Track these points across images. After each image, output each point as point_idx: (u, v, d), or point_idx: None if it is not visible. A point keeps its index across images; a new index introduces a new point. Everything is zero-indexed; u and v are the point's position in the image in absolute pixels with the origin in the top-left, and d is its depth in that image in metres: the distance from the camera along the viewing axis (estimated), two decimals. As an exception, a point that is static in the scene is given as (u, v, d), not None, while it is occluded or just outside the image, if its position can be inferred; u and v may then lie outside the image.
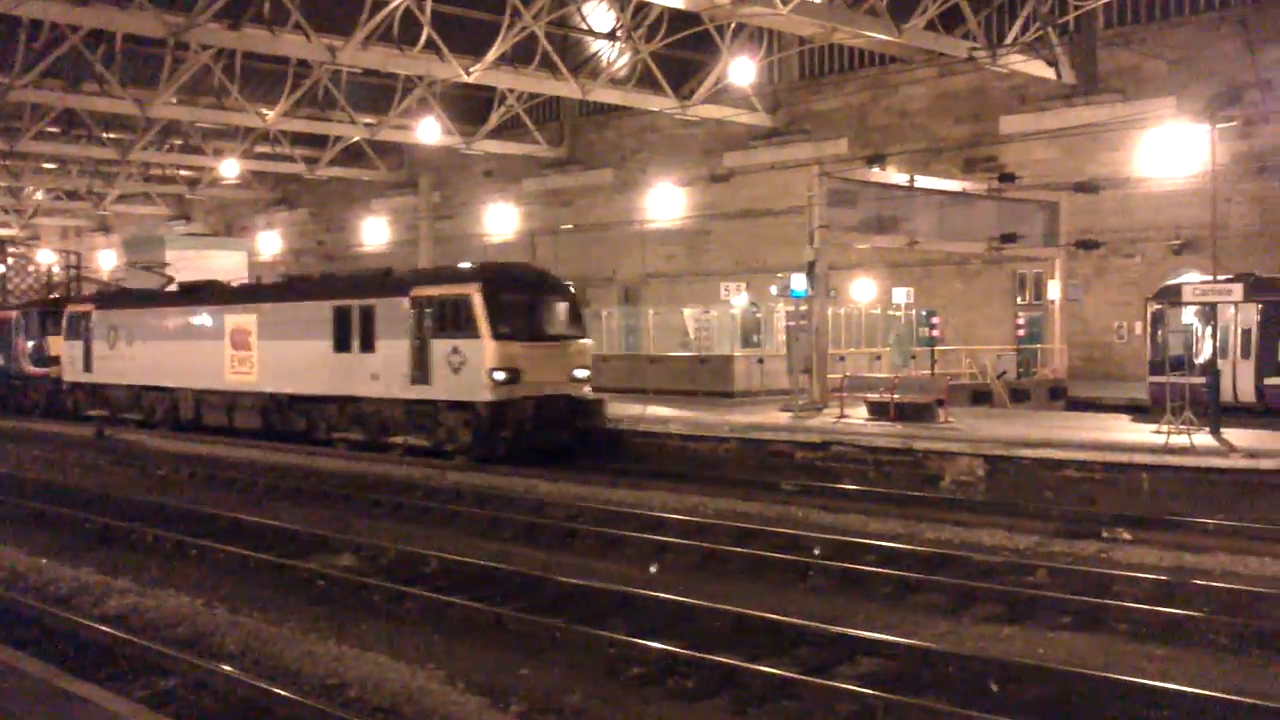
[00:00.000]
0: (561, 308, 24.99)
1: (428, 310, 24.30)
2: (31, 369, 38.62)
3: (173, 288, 35.99)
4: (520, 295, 24.32)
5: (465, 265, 27.19)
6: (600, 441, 24.67)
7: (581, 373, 24.60)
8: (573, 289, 25.69)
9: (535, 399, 23.61)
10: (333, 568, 14.54)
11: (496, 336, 23.22)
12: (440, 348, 23.99)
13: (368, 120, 36.41)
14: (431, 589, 13.08)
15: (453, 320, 23.81)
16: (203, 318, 31.23)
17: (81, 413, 35.49)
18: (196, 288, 33.29)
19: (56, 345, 36.91)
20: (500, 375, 23.07)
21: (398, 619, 12.19)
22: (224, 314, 30.37)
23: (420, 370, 24.37)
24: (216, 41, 28.80)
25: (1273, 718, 8.79)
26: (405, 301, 24.78)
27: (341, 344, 26.41)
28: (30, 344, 38.43)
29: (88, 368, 34.85)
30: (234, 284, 34.90)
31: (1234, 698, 9.14)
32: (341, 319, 26.40)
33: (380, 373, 25.42)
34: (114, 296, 37.00)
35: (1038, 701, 9.31)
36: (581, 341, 25.10)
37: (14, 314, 39.75)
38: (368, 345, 25.72)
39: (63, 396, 36.79)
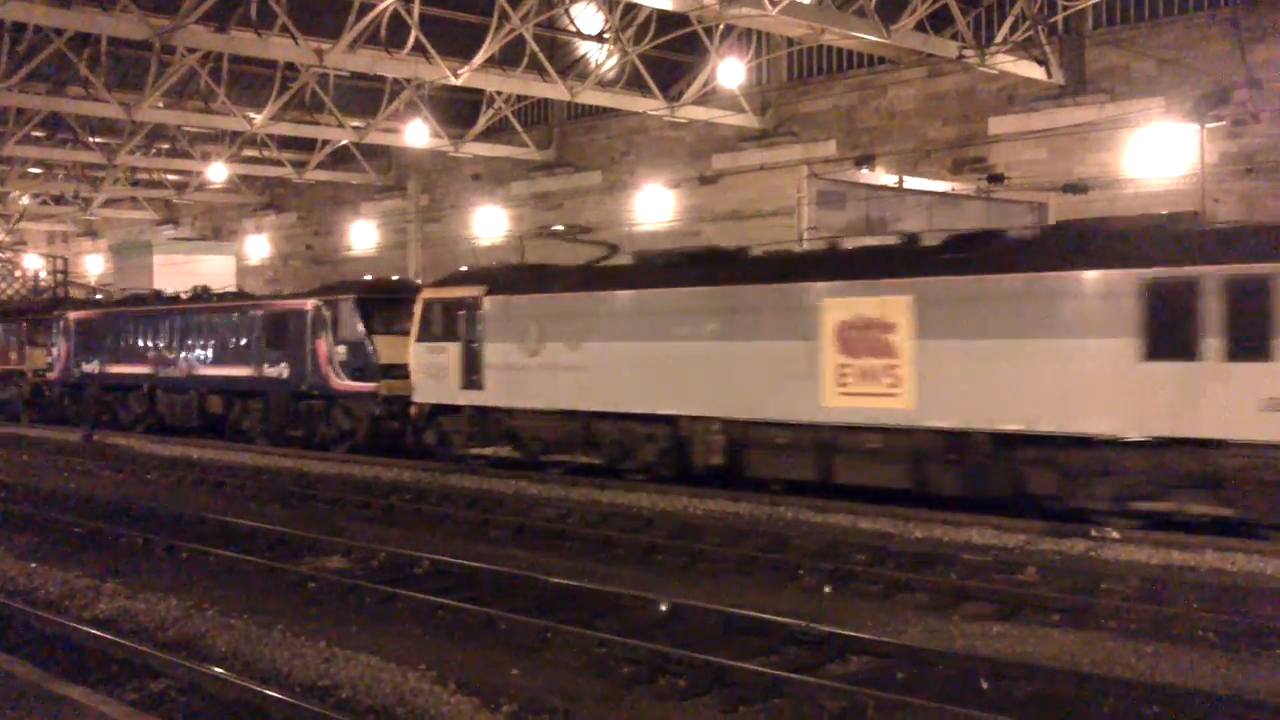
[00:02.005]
0: None
1: None
2: (343, 383, 26.95)
3: (620, 259, 23.89)
4: None
5: None
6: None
7: None
8: None
9: None
10: (323, 570, 14.56)
11: None
12: None
13: (355, 124, 36.34)
14: (422, 590, 13.10)
15: None
16: (748, 301, 19.31)
17: (459, 454, 23.63)
18: (707, 257, 21.22)
19: (390, 348, 26.02)
20: None
21: (388, 620, 12.19)
22: (804, 296, 18.60)
23: None
24: (203, 44, 28.73)
25: (1259, 711, 8.82)
26: None
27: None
28: (342, 347, 27.08)
29: (472, 383, 22.99)
30: (806, 247, 23.71)
31: (1222, 692, 9.21)
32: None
33: None
34: (529, 275, 24.00)
35: (1028, 699, 9.34)
36: None
37: (308, 304, 28.39)
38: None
39: (424, 428, 24.60)
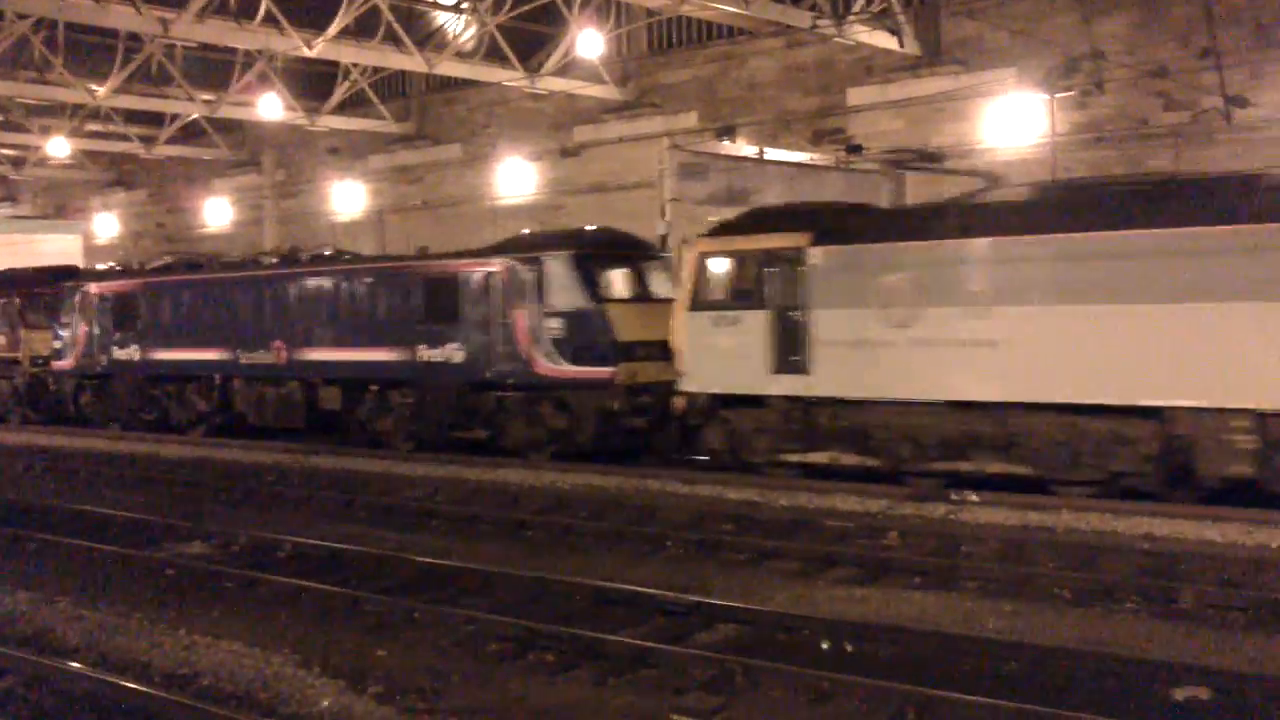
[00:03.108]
0: None
1: None
2: (558, 368, 20.20)
3: (1004, 192, 18.17)
4: None
5: None
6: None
7: None
8: None
9: None
10: (182, 556, 14.21)
11: None
12: None
13: (206, 97, 35.31)
14: (285, 574, 12.87)
15: None
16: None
17: (763, 461, 18.02)
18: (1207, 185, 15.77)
19: (628, 321, 19.94)
20: None
21: (251, 606, 11.94)
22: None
23: None
24: (34, 10, 27.50)
25: (1110, 663, 9.09)
26: None
27: None
28: (556, 320, 20.25)
29: (791, 366, 17.42)
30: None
31: (1077, 647, 9.48)
32: None
33: None
34: (876, 218, 19.22)
35: (892, 660, 9.50)
36: None
37: (496, 264, 21.16)
38: None
39: (698, 428, 18.80)
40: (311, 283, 24.42)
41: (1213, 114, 22.46)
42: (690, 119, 31.25)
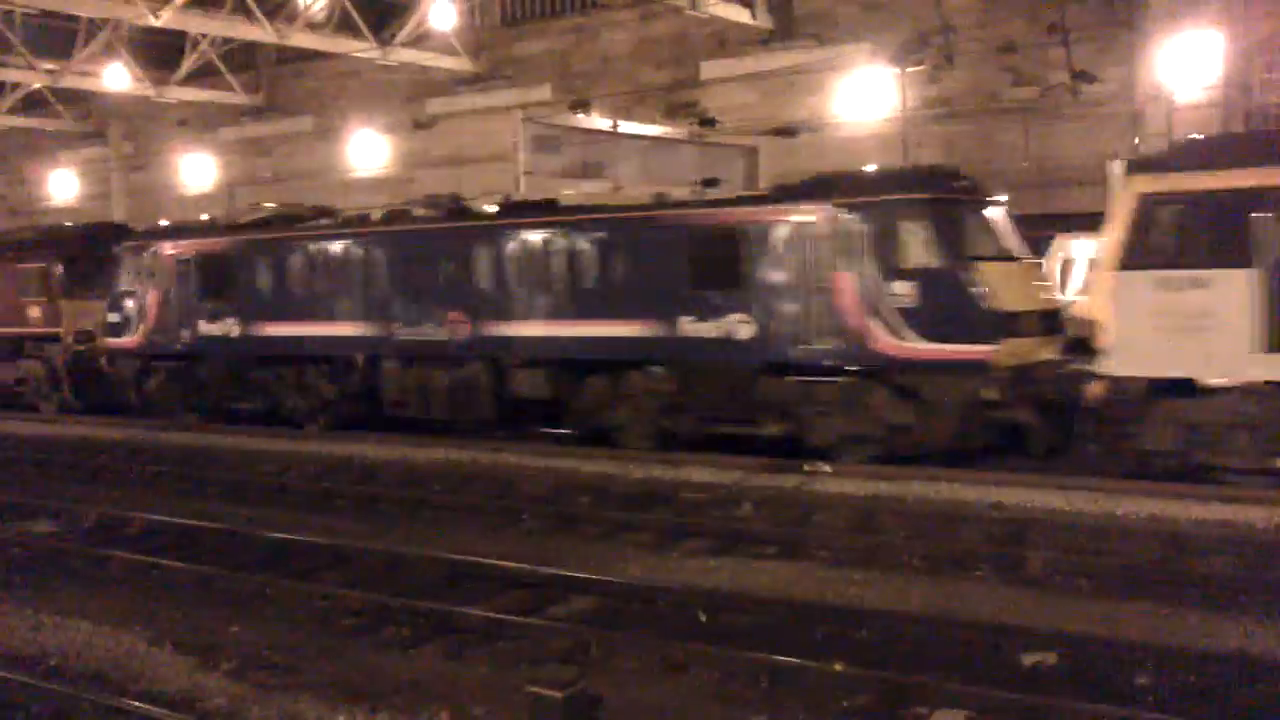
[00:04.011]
0: None
1: None
2: (903, 345, 15.75)
3: None
4: None
5: None
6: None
7: None
8: None
9: None
10: (29, 535, 13.87)
11: None
12: None
13: (49, 66, 34.00)
14: (136, 551, 12.64)
15: None
16: None
17: (1248, 468, 14.03)
18: None
19: (1001, 285, 15.66)
20: None
21: (101, 584, 11.74)
22: None
23: None
24: None
25: (960, 629, 9.29)
26: None
27: None
28: (904, 284, 15.78)
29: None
30: None
31: (926, 614, 9.70)
32: None
33: None
34: None
35: (746, 628, 9.62)
36: None
37: (814, 212, 16.42)
38: None
39: (1130, 424, 14.42)
40: (511, 238, 19.03)
41: (1061, 89, 23.03)
42: (544, 92, 31.12)
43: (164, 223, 26.36)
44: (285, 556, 12.35)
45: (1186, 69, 22.61)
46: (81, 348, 25.40)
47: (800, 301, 16.33)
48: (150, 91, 34.85)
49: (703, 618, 9.94)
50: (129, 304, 23.81)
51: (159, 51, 36.30)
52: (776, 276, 16.55)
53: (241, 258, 22.32)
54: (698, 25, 28.38)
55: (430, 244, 20.02)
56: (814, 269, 16.21)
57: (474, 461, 17.49)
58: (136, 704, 7.98)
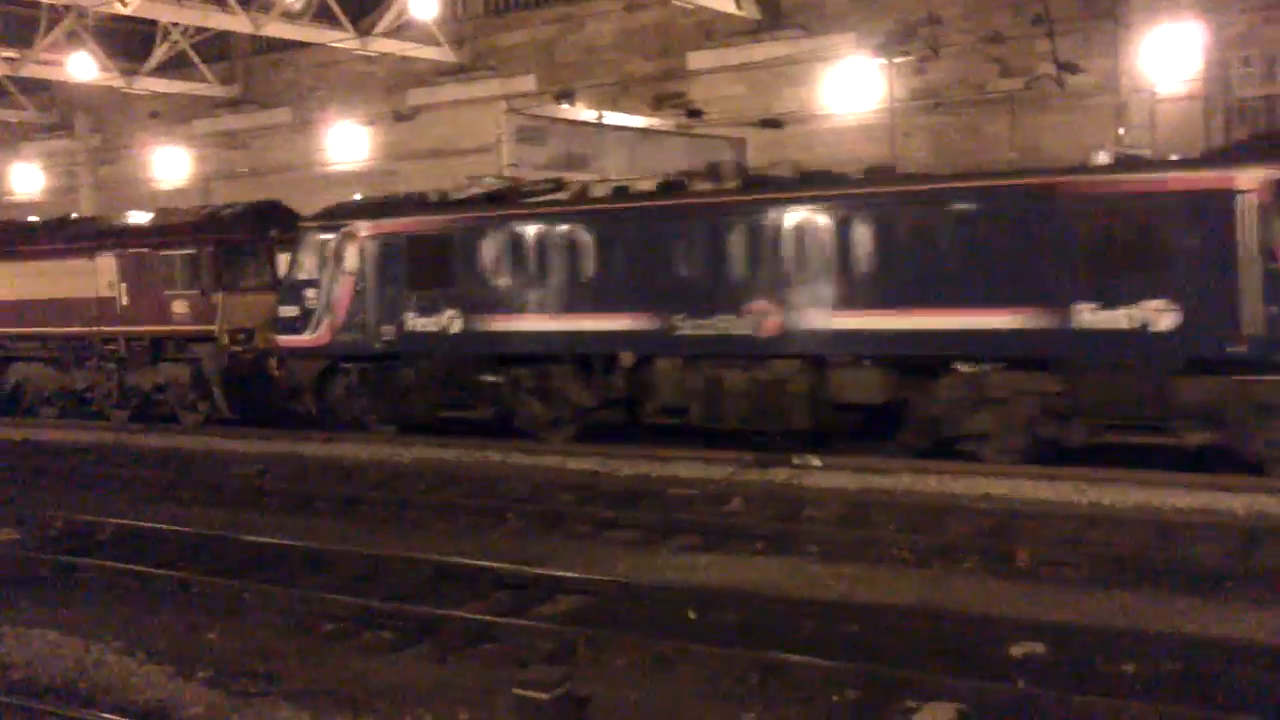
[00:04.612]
0: None
1: None
2: None
3: None
4: None
5: None
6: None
7: None
8: None
9: None
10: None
11: None
12: None
13: (9, 54, 33.47)
14: (106, 558, 12.37)
15: None
16: None
17: None
18: None
19: None
20: None
21: (68, 593, 11.44)
22: None
23: None
24: None
25: (950, 622, 9.21)
26: None
27: None
28: None
29: None
30: None
31: (918, 607, 9.64)
32: None
33: None
34: None
35: (735, 625, 9.49)
36: None
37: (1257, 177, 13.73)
38: None
39: None
40: (843, 212, 16.08)
41: (1046, 80, 22.97)
42: (528, 82, 30.85)
43: (357, 198, 23.18)
44: (265, 560, 12.14)
45: (1167, 62, 22.59)
46: (239, 349, 21.59)
47: (1249, 285, 13.60)
48: (119, 82, 34.39)
49: (692, 615, 9.79)
50: (309, 295, 20.09)
51: (129, 40, 35.84)
52: (1215, 255, 13.80)
53: (467, 239, 18.73)
54: (683, 15, 28.15)
55: (720, 220, 16.86)
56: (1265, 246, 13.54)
57: (458, 460, 17.29)
58: (106, 716, 7.75)
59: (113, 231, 23.71)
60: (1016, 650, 8.63)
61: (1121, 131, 22.44)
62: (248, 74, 37.35)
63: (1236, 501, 12.53)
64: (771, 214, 16.46)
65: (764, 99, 27.37)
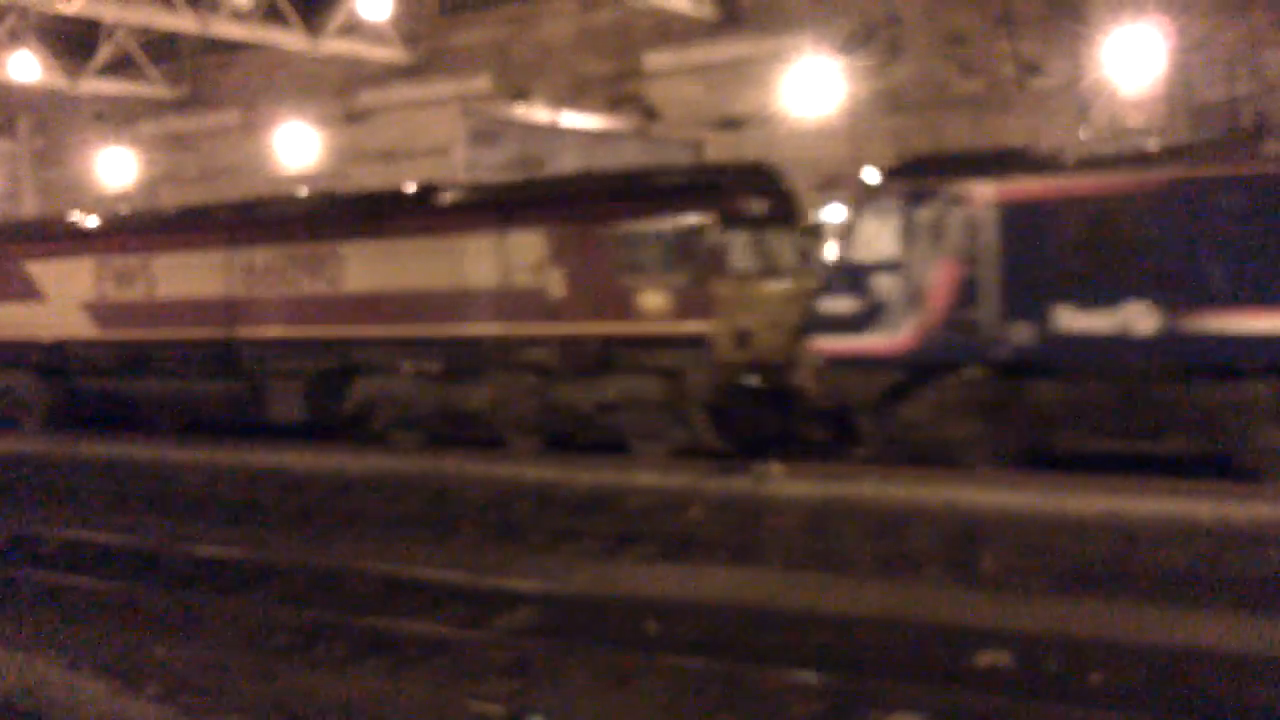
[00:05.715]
0: None
1: None
2: None
3: None
4: None
5: None
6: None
7: None
8: None
9: None
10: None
11: None
12: None
13: (-55, 54, 32.86)
14: (49, 571, 12.09)
15: None
16: None
17: None
18: None
19: None
20: None
21: (10, 607, 11.13)
22: None
23: None
24: None
25: (914, 631, 9.15)
26: None
27: None
28: None
29: None
30: None
31: (882, 617, 9.52)
32: None
33: None
34: None
35: (695, 637, 9.36)
36: None
37: None
38: None
39: None
40: None
41: (1008, 81, 22.99)
42: (482, 83, 30.63)
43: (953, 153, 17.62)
44: (213, 573, 11.88)
45: (1130, 63, 22.63)
46: (740, 358, 15.91)
47: None
48: (63, 83, 33.84)
49: (652, 626, 9.63)
50: (882, 283, 14.86)
51: (72, 41, 35.25)
52: None
53: (1183, 206, 13.36)
54: (641, 15, 28.01)
55: None
56: None
57: (412, 469, 16.93)
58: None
59: (538, 196, 17.92)
60: (982, 658, 8.57)
61: (1082, 134, 22.52)
62: (196, 75, 36.89)
63: (1202, 508, 12.15)
64: None
65: (722, 100, 27.27)
